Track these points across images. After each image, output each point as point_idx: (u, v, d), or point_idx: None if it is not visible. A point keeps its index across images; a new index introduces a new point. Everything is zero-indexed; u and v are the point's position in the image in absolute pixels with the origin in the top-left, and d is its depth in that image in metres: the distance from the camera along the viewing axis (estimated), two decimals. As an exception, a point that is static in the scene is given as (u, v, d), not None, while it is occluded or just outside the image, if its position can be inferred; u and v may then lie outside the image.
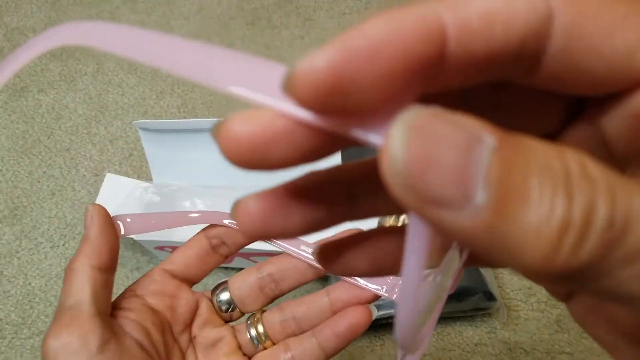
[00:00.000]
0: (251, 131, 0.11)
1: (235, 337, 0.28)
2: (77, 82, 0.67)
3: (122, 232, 0.26)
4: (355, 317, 0.25)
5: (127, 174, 0.59)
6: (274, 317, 0.28)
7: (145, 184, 0.53)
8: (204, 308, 0.28)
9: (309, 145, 0.11)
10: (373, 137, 0.10)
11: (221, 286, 0.28)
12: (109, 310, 0.24)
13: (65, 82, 0.67)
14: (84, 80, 0.67)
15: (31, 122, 0.64)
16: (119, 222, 0.25)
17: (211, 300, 0.28)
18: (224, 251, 0.27)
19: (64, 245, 0.56)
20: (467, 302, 0.49)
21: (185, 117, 0.63)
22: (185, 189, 0.51)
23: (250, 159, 0.11)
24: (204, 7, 0.72)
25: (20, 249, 0.56)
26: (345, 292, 0.26)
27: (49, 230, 0.57)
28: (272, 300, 0.28)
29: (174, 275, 0.27)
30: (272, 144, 0.10)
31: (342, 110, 0.10)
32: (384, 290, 0.25)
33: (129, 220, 0.25)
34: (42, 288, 0.53)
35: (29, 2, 0.74)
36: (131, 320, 0.24)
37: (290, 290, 0.27)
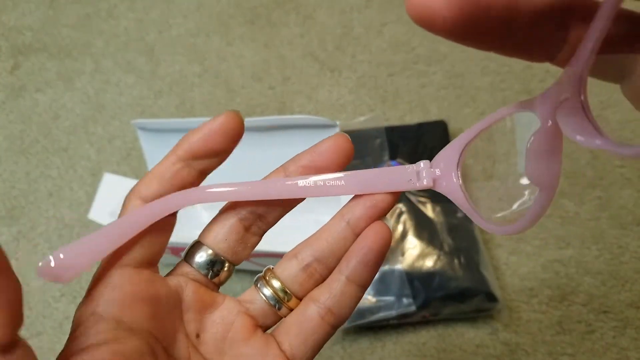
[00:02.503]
0: None
1: (246, 311, 0.22)
2: (75, 81, 0.67)
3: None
4: (377, 236, 0.21)
5: (125, 174, 0.59)
6: (290, 267, 0.22)
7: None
8: (188, 291, 0.21)
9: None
10: None
11: (196, 247, 0.22)
12: None
13: (62, 81, 0.67)
14: (82, 79, 0.67)
15: (28, 121, 0.64)
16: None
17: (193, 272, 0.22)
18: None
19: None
20: (468, 304, 0.48)
21: (183, 117, 0.62)
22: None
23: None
24: (202, 4, 0.71)
25: (18, 250, 0.55)
26: (361, 206, 0.21)
27: (46, 230, 0.56)
28: (261, 236, 0.23)
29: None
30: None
31: None
32: (410, 180, 0.21)
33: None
34: (40, 289, 0.53)
35: (27, 1, 0.74)
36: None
37: (276, 221, 0.22)
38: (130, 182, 0.54)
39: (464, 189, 0.20)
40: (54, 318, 0.51)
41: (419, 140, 0.57)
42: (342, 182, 0.21)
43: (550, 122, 0.16)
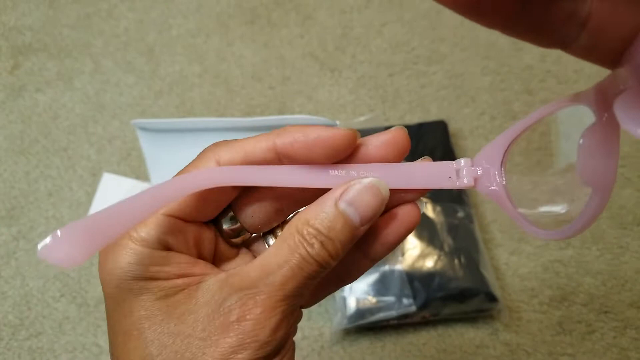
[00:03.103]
0: None
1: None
2: (75, 81, 0.67)
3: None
4: (406, 222, 0.21)
5: (125, 174, 0.59)
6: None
7: (143, 184, 0.53)
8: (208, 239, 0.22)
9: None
10: None
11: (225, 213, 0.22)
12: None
13: (62, 81, 0.67)
14: (82, 79, 0.67)
15: (28, 121, 0.64)
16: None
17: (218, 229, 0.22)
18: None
19: (61, 246, 0.55)
20: (468, 304, 0.48)
21: (183, 117, 0.62)
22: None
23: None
24: (202, 5, 0.71)
25: (17, 250, 0.55)
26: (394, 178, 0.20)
27: (46, 230, 0.56)
28: (286, 217, 0.22)
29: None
30: None
31: None
32: (450, 179, 0.20)
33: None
34: (39, 289, 0.53)
35: (27, 1, 0.74)
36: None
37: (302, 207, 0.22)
38: (130, 182, 0.54)
39: (508, 191, 0.19)
40: (53, 318, 0.51)
41: (419, 140, 0.56)
42: (378, 174, 0.20)
43: (606, 116, 0.15)
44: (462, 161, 0.20)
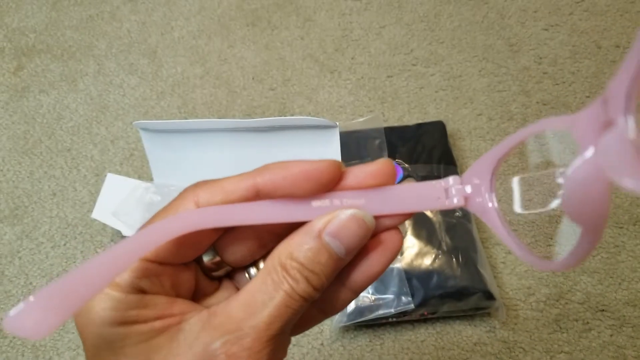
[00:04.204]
0: None
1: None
2: (78, 82, 0.67)
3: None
4: (390, 250, 0.20)
5: (128, 174, 0.59)
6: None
7: (146, 184, 0.53)
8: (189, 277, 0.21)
9: None
10: None
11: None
12: None
13: (66, 82, 0.67)
14: (85, 80, 0.67)
15: (32, 122, 0.64)
16: None
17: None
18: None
19: (65, 245, 0.56)
20: (466, 302, 0.49)
21: (185, 118, 0.63)
22: (186, 188, 0.50)
23: None
24: (204, 7, 0.72)
25: (21, 249, 0.56)
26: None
27: (50, 230, 0.57)
28: (270, 250, 0.21)
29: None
30: None
31: None
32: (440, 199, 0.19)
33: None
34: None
35: (30, 3, 0.74)
36: None
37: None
38: (133, 182, 0.55)
39: (499, 211, 0.18)
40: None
41: (417, 141, 0.57)
42: (363, 201, 0.19)
43: (592, 151, 0.13)
44: (451, 179, 0.19)
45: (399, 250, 0.20)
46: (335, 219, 0.18)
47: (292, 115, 0.62)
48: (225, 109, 0.63)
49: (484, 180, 0.18)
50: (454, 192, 0.19)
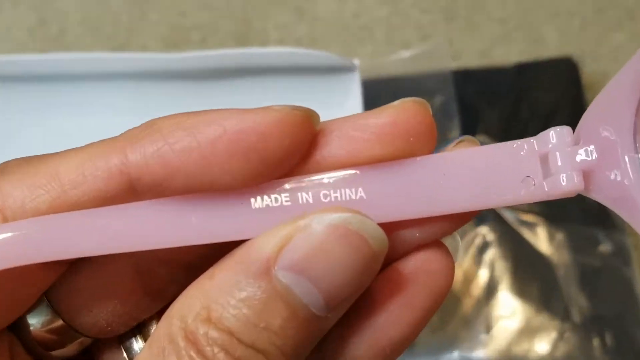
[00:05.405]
0: None
1: None
2: None
3: None
4: (428, 290, 0.12)
5: None
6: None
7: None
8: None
9: None
10: None
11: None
12: None
13: None
14: None
15: None
16: None
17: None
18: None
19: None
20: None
21: (46, 50, 0.44)
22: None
23: None
24: None
25: None
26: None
27: None
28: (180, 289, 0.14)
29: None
30: None
31: None
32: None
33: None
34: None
35: None
36: None
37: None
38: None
39: None
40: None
41: (519, 99, 0.42)
42: (360, 192, 0.12)
43: None
44: (553, 134, 0.11)
45: (446, 292, 0.12)
46: (299, 234, 0.11)
47: (267, 46, 0.45)
48: (128, 31, 0.44)
49: (623, 134, 0.11)
50: (560, 162, 0.11)
